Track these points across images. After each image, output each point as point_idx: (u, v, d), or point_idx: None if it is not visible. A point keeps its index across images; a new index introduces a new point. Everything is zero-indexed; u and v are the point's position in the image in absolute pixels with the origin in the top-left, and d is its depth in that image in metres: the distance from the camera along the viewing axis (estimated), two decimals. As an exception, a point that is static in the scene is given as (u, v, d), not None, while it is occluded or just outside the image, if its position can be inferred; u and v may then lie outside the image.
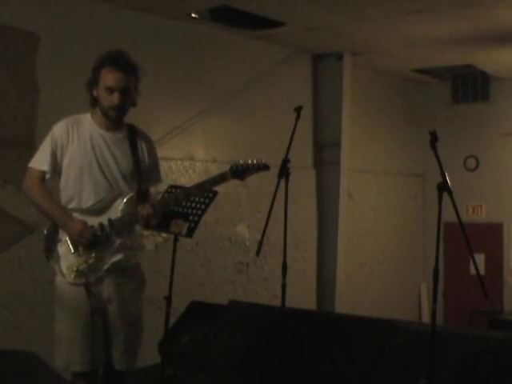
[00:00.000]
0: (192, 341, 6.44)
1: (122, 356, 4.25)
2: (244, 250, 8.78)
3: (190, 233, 6.33)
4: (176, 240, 6.34)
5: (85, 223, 4.12)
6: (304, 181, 9.56)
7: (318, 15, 7.84)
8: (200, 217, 6.22)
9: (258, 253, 5.22)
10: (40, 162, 4.19)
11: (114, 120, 4.19)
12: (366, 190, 10.84)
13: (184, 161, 8.03)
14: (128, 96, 4.15)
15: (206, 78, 8.30)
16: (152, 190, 4.52)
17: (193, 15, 7.82)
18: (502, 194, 11.33)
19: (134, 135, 4.32)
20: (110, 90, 4.09)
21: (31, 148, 6.53)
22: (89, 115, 4.25)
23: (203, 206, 6.20)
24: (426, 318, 11.62)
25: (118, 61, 4.13)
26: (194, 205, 6.01)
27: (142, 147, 4.34)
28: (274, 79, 9.15)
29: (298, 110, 5.42)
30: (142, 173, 4.29)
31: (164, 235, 7.44)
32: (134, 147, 4.28)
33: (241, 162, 4.35)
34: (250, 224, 8.73)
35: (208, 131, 8.33)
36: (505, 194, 11.30)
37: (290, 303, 5.23)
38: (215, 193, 6.14)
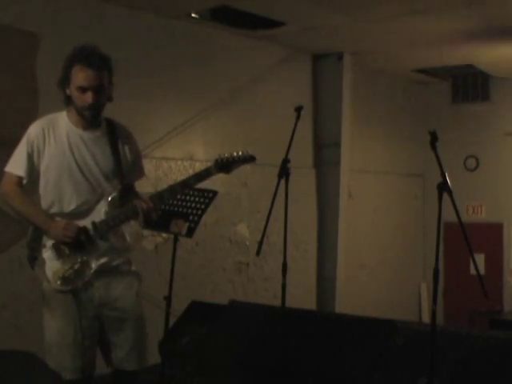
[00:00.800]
0: (192, 341, 6.43)
1: (128, 355, 4.15)
2: (244, 250, 8.78)
3: (190, 233, 6.32)
4: (176, 240, 6.34)
5: (68, 221, 3.99)
6: (304, 181, 9.56)
7: (317, 15, 7.84)
8: (200, 217, 6.22)
9: (258, 253, 5.22)
10: (16, 166, 4.06)
11: (90, 120, 4.03)
12: (366, 190, 10.83)
13: (184, 161, 8.02)
14: (102, 93, 3.98)
15: (206, 78, 8.30)
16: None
17: (193, 15, 7.82)
18: (502, 194, 11.33)
19: (112, 131, 4.16)
20: (83, 90, 3.93)
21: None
22: (64, 114, 4.09)
23: (203, 206, 6.19)
24: (426, 318, 11.61)
25: (88, 58, 4.00)
26: (193, 205, 6.01)
27: (123, 142, 4.18)
28: (274, 79, 9.15)
29: (298, 110, 5.42)
30: (124, 169, 4.15)
31: (164, 235, 7.44)
32: (113, 144, 4.12)
33: (226, 154, 4.24)
34: (250, 224, 8.73)
35: (208, 131, 8.33)
36: (505, 194, 11.30)
37: (289, 303, 5.23)
38: (215, 193, 6.14)
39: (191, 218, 6.12)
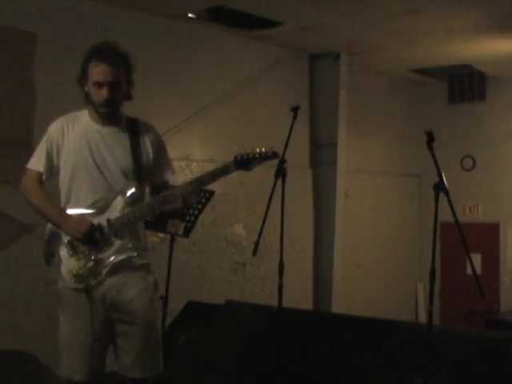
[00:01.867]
0: (189, 341, 6.44)
1: (134, 363, 4.01)
2: (241, 250, 8.79)
3: (187, 233, 6.33)
4: (173, 240, 6.35)
5: (81, 217, 3.96)
6: (301, 181, 9.57)
7: (314, 15, 7.84)
8: (197, 217, 6.23)
9: (254, 253, 5.22)
10: (36, 163, 4.09)
11: (106, 117, 4.01)
12: (363, 190, 10.84)
13: (180, 161, 8.02)
14: (118, 89, 3.96)
15: (202, 77, 8.30)
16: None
17: (190, 15, 7.82)
18: (499, 194, 11.34)
19: (134, 128, 4.13)
20: (99, 85, 3.92)
21: (28, 148, 6.53)
22: (86, 112, 4.10)
23: (200, 206, 6.20)
24: (422, 317, 11.62)
25: (104, 53, 3.98)
26: (190, 205, 6.01)
27: (145, 140, 4.13)
28: (271, 79, 9.15)
29: (295, 109, 5.43)
30: (145, 167, 4.09)
31: (161, 235, 7.43)
32: (134, 141, 4.08)
33: (246, 151, 4.08)
34: (247, 224, 8.73)
35: (204, 131, 8.33)
36: (501, 194, 11.31)
37: (286, 303, 5.23)
38: (212, 193, 6.14)
39: (188, 217, 6.13)
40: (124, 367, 4.03)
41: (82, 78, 4.03)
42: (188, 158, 8.13)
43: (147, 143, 4.13)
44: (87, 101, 4.05)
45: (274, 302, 5.33)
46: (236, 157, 4.07)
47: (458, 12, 7.63)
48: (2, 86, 6.44)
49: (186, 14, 7.80)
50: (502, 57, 9.64)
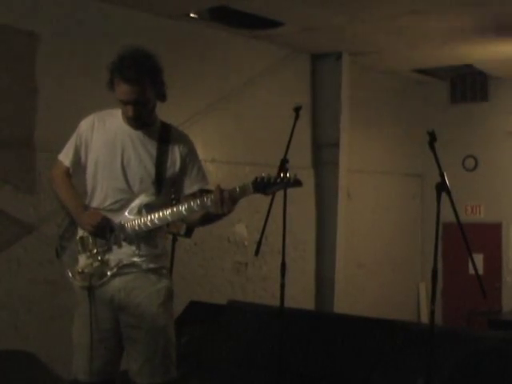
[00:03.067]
0: (191, 341, 6.44)
1: (140, 369, 3.93)
2: (243, 250, 8.78)
3: (189, 233, 6.34)
4: (175, 240, 6.36)
5: (95, 211, 3.95)
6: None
7: (316, 15, 7.84)
8: (198, 217, 6.23)
9: (256, 253, 5.23)
10: (65, 156, 4.11)
11: (135, 126, 3.97)
12: (365, 190, 10.83)
13: (183, 161, 8.01)
14: (144, 104, 3.89)
15: (205, 77, 8.30)
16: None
17: (191, 15, 7.82)
18: (501, 194, 11.33)
19: (166, 135, 4.05)
20: (124, 103, 3.87)
21: (30, 148, 6.57)
22: (120, 111, 4.03)
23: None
24: (424, 318, 11.61)
25: (125, 72, 3.86)
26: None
27: (174, 149, 4.03)
28: (273, 79, 9.15)
29: (297, 110, 5.44)
30: (167, 176, 4.00)
31: (163, 235, 7.44)
32: (161, 148, 4.01)
33: (269, 174, 3.83)
34: (249, 224, 8.73)
35: (207, 131, 8.33)
36: (503, 194, 11.30)
37: (288, 303, 5.24)
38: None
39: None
40: (132, 373, 3.97)
41: (111, 86, 3.96)
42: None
43: (176, 153, 4.04)
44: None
45: (276, 302, 5.34)
46: (256, 178, 3.86)
47: (460, 12, 7.63)
48: (3, 86, 6.44)
49: (188, 14, 7.80)
50: (503, 57, 9.63)
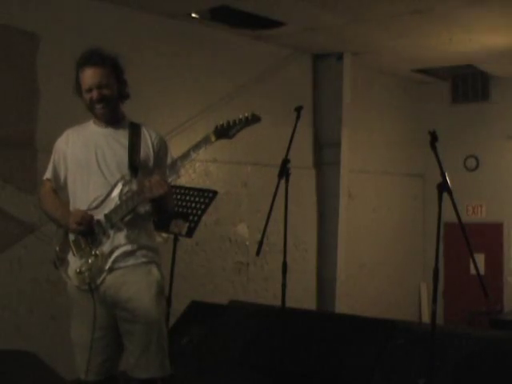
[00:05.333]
0: (192, 341, 6.44)
1: (137, 362, 3.98)
2: (244, 250, 8.78)
3: (190, 233, 6.33)
4: (176, 240, 6.35)
5: (80, 210, 4.02)
6: (304, 181, 9.56)
7: (317, 15, 7.84)
8: (200, 217, 6.23)
9: (258, 253, 5.22)
10: (48, 173, 4.25)
11: (103, 112, 4.07)
12: (366, 190, 10.83)
13: (184, 161, 8.00)
14: (108, 88, 4.04)
15: (205, 77, 8.30)
16: None
17: (193, 15, 7.83)
18: (502, 194, 11.32)
19: (135, 130, 4.17)
20: (89, 90, 4.04)
21: (31, 148, 6.57)
22: (91, 121, 4.20)
23: (203, 206, 6.20)
24: (425, 317, 11.61)
25: (88, 57, 4.06)
26: (193, 205, 6.00)
27: (146, 139, 4.16)
28: (274, 79, 9.15)
29: (298, 110, 5.43)
30: (142, 165, 4.10)
31: (164, 235, 7.43)
32: (133, 139, 4.13)
33: (228, 120, 4.13)
34: (250, 224, 8.73)
35: (207, 131, 8.31)
36: (505, 194, 11.29)
37: (289, 303, 5.23)
38: (215, 193, 6.14)
39: (191, 217, 6.13)
40: (130, 367, 4.03)
41: (78, 88, 4.14)
42: (192, 159, 8.12)
43: (148, 141, 4.17)
44: (88, 109, 4.14)
45: (277, 302, 5.33)
46: (216, 126, 4.18)
47: (460, 12, 7.63)
48: (4, 87, 6.45)
49: (190, 14, 7.80)
50: (505, 56, 9.63)
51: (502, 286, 11.32)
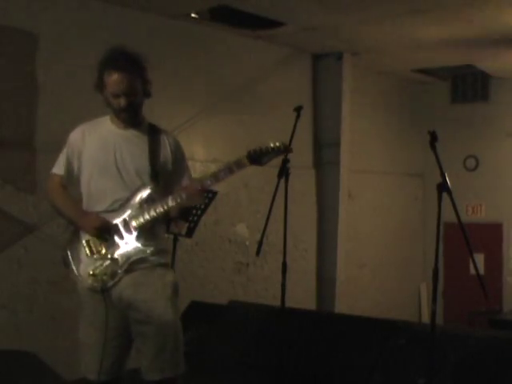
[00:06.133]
0: (192, 341, 6.44)
1: (151, 364, 3.99)
2: (244, 250, 8.78)
3: (190, 233, 6.33)
4: (176, 240, 6.35)
5: (96, 214, 4.02)
6: (304, 181, 9.56)
7: (317, 15, 7.83)
8: (199, 217, 6.23)
9: (257, 253, 5.22)
10: (57, 167, 4.22)
11: (127, 120, 4.10)
12: (366, 190, 10.83)
13: (184, 161, 8.01)
14: (135, 95, 4.05)
15: (205, 77, 8.29)
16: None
17: (192, 15, 7.82)
18: (502, 194, 11.33)
19: (154, 133, 4.20)
20: (116, 95, 4.01)
21: (31, 148, 6.57)
22: (108, 117, 4.18)
23: (203, 206, 6.21)
24: (425, 317, 11.61)
25: (117, 62, 4.04)
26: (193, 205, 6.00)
27: (165, 144, 4.20)
28: (274, 79, 9.15)
29: (298, 109, 5.44)
30: (161, 170, 4.13)
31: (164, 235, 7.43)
32: (153, 144, 4.15)
33: (260, 146, 4.06)
34: (250, 224, 8.72)
35: (208, 131, 8.33)
36: (504, 194, 11.30)
37: (289, 303, 5.23)
38: (215, 193, 6.14)
39: (191, 218, 6.13)
40: (143, 369, 4.03)
41: (100, 84, 4.08)
42: (192, 158, 8.11)
43: (167, 147, 4.20)
44: (107, 105, 4.11)
45: (277, 302, 5.33)
46: (249, 151, 4.07)
47: (460, 11, 7.63)
48: (4, 87, 6.44)
49: (189, 14, 7.80)
50: (504, 57, 9.63)
51: (502, 286, 11.32)
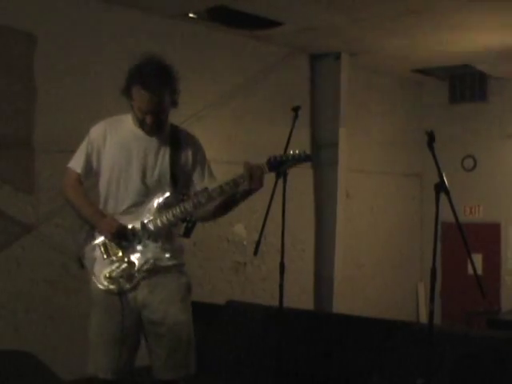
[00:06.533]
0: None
1: (164, 364, 4.04)
2: (241, 250, 8.78)
3: (188, 233, 6.31)
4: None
5: (113, 218, 4.03)
6: (302, 181, 9.56)
7: (315, 15, 7.84)
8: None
9: (255, 253, 5.23)
10: (76, 163, 4.17)
11: (150, 133, 4.07)
12: (364, 190, 10.84)
13: (182, 161, 8.01)
14: (162, 112, 4.03)
15: (203, 77, 8.29)
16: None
17: (190, 15, 7.82)
18: (500, 194, 11.33)
19: (176, 137, 4.19)
20: (143, 111, 3.97)
21: (29, 148, 6.57)
22: (130, 116, 4.14)
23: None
24: (423, 317, 11.61)
25: (147, 80, 3.94)
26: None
27: (186, 149, 4.21)
28: (272, 79, 9.15)
29: (296, 109, 5.43)
30: (182, 177, 4.15)
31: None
32: (174, 149, 4.14)
33: (280, 153, 4.12)
34: (248, 224, 8.72)
35: (205, 131, 8.29)
36: (502, 194, 11.30)
37: (287, 303, 5.23)
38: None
39: (188, 218, 6.12)
40: (156, 369, 4.07)
41: (126, 93, 4.02)
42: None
43: (187, 151, 4.20)
44: (132, 110, 4.08)
45: (274, 302, 5.33)
46: (269, 158, 4.09)
47: (459, 11, 7.63)
48: (2, 87, 6.44)
49: (187, 14, 7.80)
50: (503, 57, 9.64)
51: (500, 286, 11.33)
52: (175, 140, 4.18)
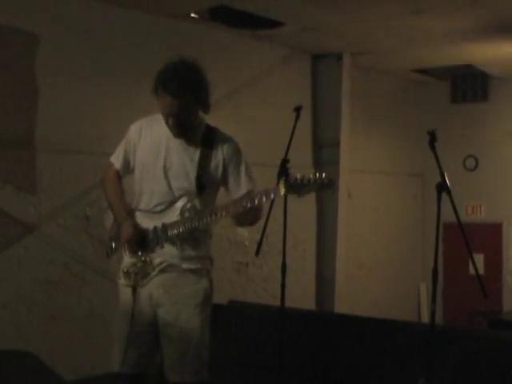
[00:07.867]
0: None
1: (172, 366, 4.08)
2: (243, 250, 8.77)
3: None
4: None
5: (130, 223, 4.09)
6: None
7: (317, 15, 7.83)
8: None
9: (257, 253, 5.24)
10: (116, 159, 4.29)
11: (175, 135, 4.12)
12: (366, 190, 10.83)
13: (183, 161, 8.00)
14: (184, 116, 4.07)
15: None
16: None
17: (192, 15, 7.82)
18: (502, 194, 11.32)
19: (210, 139, 4.23)
20: (165, 114, 4.04)
21: (30, 148, 6.57)
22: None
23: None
24: (425, 317, 11.61)
25: (168, 85, 4.02)
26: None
27: (218, 153, 4.22)
28: (273, 79, 9.14)
29: (298, 110, 5.44)
30: (209, 182, 4.16)
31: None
32: (205, 153, 4.16)
33: (298, 176, 3.76)
34: (249, 224, 8.71)
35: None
36: (504, 194, 11.29)
37: (289, 303, 5.23)
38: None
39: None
40: (166, 369, 4.11)
41: (155, 93, 4.11)
42: (191, 159, 8.13)
43: (219, 156, 4.20)
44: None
45: (276, 302, 5.33)
46: (289, 180, 3.82)
47: (460, 12, 7.62)
48: (3, 86, 6.44)
49: (189, 14, 7.79)
50: (504, 57, 9.63)
51: (502, 286, 11.32)
52: (208, 142, 4.22)
